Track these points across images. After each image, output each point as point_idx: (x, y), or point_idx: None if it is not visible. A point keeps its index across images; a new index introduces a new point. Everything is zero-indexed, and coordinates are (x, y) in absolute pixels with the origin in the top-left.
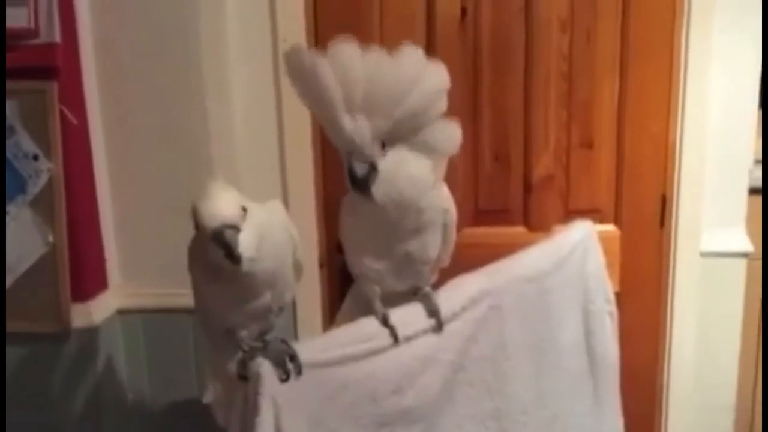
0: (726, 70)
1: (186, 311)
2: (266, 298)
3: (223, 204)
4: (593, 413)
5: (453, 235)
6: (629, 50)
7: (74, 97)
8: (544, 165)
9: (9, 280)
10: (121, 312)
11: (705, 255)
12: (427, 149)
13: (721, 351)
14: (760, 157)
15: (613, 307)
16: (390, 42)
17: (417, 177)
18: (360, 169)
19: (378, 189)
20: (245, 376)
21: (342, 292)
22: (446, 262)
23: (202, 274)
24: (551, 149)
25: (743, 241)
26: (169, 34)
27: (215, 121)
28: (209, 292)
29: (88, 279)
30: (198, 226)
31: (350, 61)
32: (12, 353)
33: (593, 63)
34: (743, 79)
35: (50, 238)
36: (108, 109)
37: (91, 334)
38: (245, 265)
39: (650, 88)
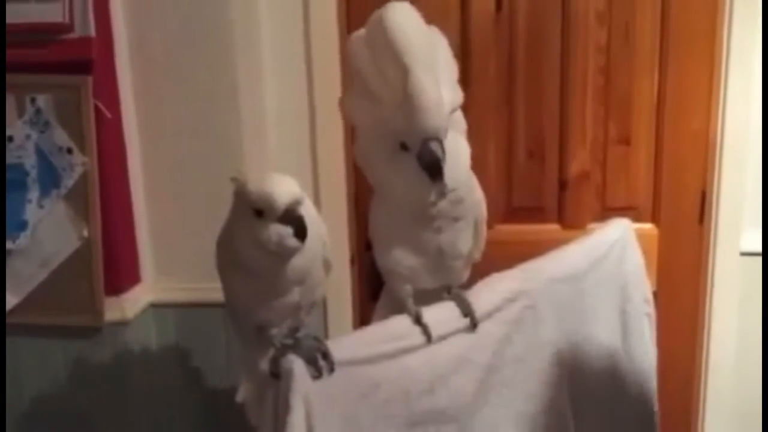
0: None
1: (219, 305)
2: (294, 294)
3: (290, 181)
4: (630, 416)
5: (484, 229)
6: (669, 44)
7: (108, 92)
8: (579, 161)
9: (43, 274)
10: (154, 306)
11: (745, 254)
12: (461, 129)
13: (761, 353)
14: None
15: (651, 308)
16: None
17: (467, 161)
18: (439, 151)
19: (446, 174)
20: (277, 374)
21: (373, 289)
22: (477, 257)
23: (232, 268)
24: (587, 145)
25: None
26: (202, 27)
27: (248, 115)
28: (238, 288)
29: (122, 273)
30: (261, 208)
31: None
32: (46, 346)
33: (632, 57)
34: None
35: (84, 233)
36: (141, 103)
37: (123, 327)
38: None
39: (691, 83)
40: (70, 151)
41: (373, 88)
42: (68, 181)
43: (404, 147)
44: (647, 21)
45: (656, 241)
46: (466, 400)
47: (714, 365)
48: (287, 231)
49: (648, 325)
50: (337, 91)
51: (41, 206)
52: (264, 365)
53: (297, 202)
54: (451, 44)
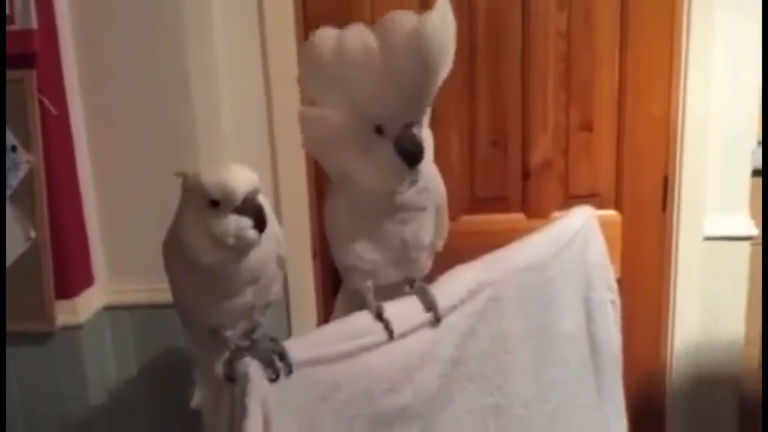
0: (729, 49)
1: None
2: (247, 295)
3: (247, 170)
4: (596, 404)
5: (446, 218)
6: (629, 29)
7: (53, 86)
8: (542, 149)
9: None
10: (108, 309)
11: (708, 239)
12: (426, 118)
13: (725, 336)
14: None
15: (615, 295)
16: None
17: (432, 149)
18: (420, 137)
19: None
20: (232, 378)
21: (337, 282)
22: (440, 247)
23: (181, 268)
24: (550, 132)
25: (747, 224)
26: (152, 17)
27: (201, 108)
28: (188, 289)
29: (73, 275)
30: (217, 198)
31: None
32: None
33: (592, 42)
34: (746, 58)
35: (32, 234)
36: (89, 98)
37: (77, 332)
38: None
39: (651, 68)
40: (14, 149)
41: (352, 69)
42: (13, 181)
43: (379, 131)
44: (607, 5)
45: (620, 227)
46: (430, 397)
47: (679, 349)
48: (246, 222)
49: (612, 311)
50: (294, 83)
51: None
52: (219, 369)
53: (256, 191)
54: None
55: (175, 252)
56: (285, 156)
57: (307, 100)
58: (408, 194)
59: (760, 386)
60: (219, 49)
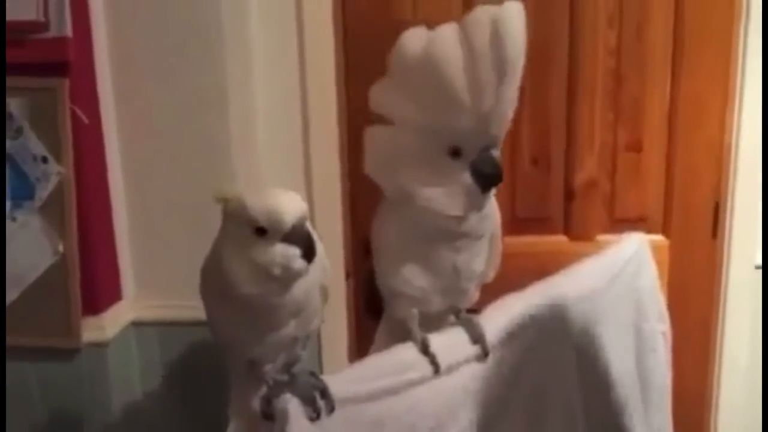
0: None
1: (204, 324)
2: (290, 327)
3: (295, 196)
4: None
5: (499, 247)
6: (683, 47)
7: (86, 96)
8: (587, 169)
9: (15, 292)
10: (136, 324)
11: (760, 268)
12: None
13: None
14: None
15: (666, 326)
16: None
17: None
18: (500, 162)
19: None
20: (270, 415)
21: (371, 303)
22: (491, 277)
23: (219, 298)
24: (596, 152)
25: None
26: (190, 27)
27: (237, 122)
28: (227, 321)
29: (101, 290)
30: (264, 227)
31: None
32: (19, 370)
33: (643, 60)
34: None
35: (60, 248)
36: (123, 108)
37: (103, 348)
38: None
39: (705, 88)
40: (45, 159)
41: (441, 89)
42: (43, 193)
43: (455, 154)
44: (660, 22)
45: (667, 253)
46: None
47: (726, 381)
48: (294, 251)
49: (663, 343)
50: (331, 93)
51: (14, 219)
52: (255, 404)
53: (304, 218)
54: None
55: (215, 280)
56: (319, 172)
57: (374, 117)
58: (472, 221)
59: None
60: (256, 59)
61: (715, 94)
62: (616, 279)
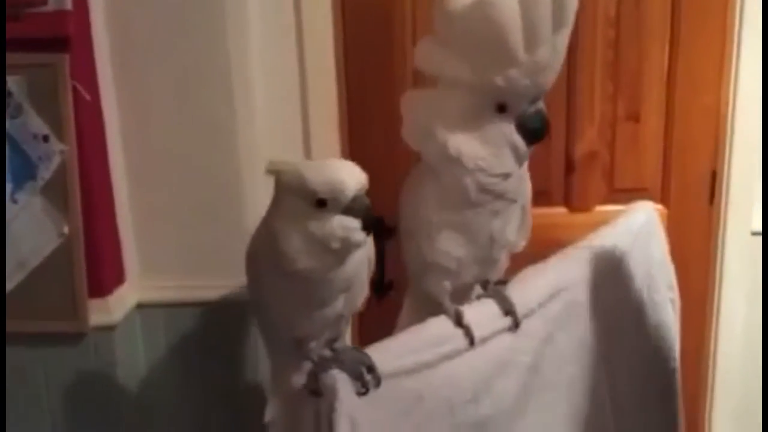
0: None
1: (211, 304)
2: (339, 303)
3: (355, 167)
4: (656, 407)
5: (530, 217)
6: (681, 16)
7: (86, 72)
8: (587, 140)
9: (20, 276)
10: (141, 306)
11: (756, 234)
12: None
13: None
14: None
15: (675, 294)
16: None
17: None
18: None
19: None
20: (317, 391)
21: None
22: (520, 247)
23: (272, 275)
24: (596, 123)
25: None
26: (189, 1)
27: (238, 97)
28: (278, 297)
29: (106, 272)
30: (325, 198)
31: None
32: (25, 355)
33: (641, 29)
34: None
35: (65, 229)
36: (122, 84)
37: (110, 331)
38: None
39: (702, 58)
40: (46, 138)
41: (493, 41)
42: (45, 173)
43: (501, 109)
44: None
45: (666, 221)
46: (508, 407)
47: (723, 345)
48: (353, 223)
49: (672, 311)
50: (330, 68)
51: (15, 201)
52: (297, 381)
53: (365, 189)
54: None
55: (266, 257)
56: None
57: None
58: (513, 180)
59: None
60: (256, 31)
61: (712, 64)
62: (631, 248)
